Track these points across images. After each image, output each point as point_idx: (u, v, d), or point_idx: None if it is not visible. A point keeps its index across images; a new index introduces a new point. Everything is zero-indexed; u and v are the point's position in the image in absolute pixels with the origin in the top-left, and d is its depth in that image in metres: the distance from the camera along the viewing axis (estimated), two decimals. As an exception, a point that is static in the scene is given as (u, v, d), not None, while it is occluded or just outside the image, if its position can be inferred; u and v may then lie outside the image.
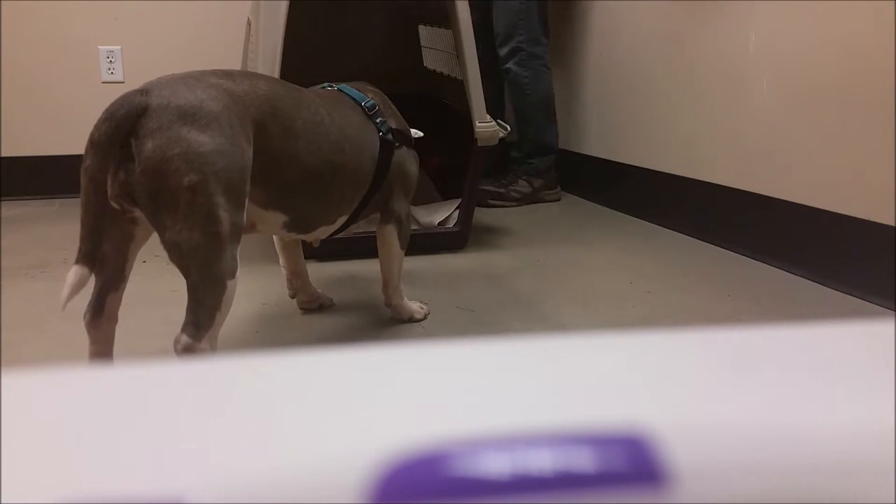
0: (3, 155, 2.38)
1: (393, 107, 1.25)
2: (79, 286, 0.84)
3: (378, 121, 1.16)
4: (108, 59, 2.41)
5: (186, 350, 0.83)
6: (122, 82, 2.43)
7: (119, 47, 2.42)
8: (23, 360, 1.12)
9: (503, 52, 2.36)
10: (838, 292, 1.46)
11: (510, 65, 2.36)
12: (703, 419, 0.18)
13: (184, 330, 0.84)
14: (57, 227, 2.02)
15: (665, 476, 0.17)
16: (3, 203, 2.34)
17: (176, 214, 0.81)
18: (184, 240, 0.82)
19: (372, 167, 1.14)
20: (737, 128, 1.78)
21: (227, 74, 0.93)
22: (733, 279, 1.56)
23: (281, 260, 1.30)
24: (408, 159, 1.24)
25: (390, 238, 1.22)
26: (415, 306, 1.29)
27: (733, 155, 1.80)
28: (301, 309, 1.34)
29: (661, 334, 0.24)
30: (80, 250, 0.85)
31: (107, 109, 0.81)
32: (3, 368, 1.00)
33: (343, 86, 1.19)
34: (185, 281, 0.86)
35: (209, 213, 0.82)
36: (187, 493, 0.16)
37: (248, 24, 1.92)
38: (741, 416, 0.19)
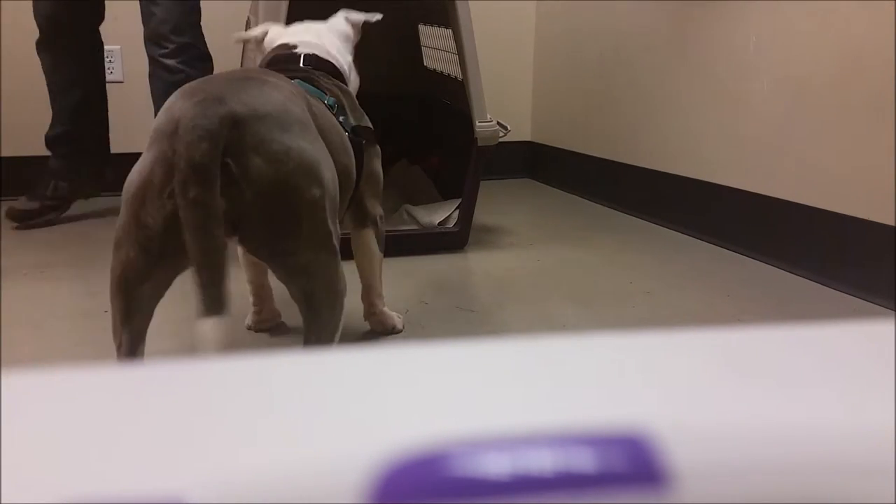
0: (3, 155, 2.38)
1: (352, 98, 1.13)
2: (225, 341, 0.67)
3: (341, 119, 1.00)
4: (108, 59, 2.41)
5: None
6: (122, 82, 2.43)
7: (119, 47, 2.42)
8: (23, 360, 1.12)
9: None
10: (838, 292, 1.46)
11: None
12: (703, 419, 0.18)
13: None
14: (57, 226, 2.02)
15: (665, 476, 0.17)
16: (2, 203, 2.34)
17: (299, 236, 0.73)
18: (311, 262, 0.74)
19: (354, 168, 1.01)
20: (737, 128, 1.78)
21: (265, 73, 0.84)
22: (733, 279, 1.56)
23: (248, 275, 1.19)
24: (374, 157, 1.12)
25: (369, 241, 1.13)
26: (395, 315, 1.23)
27: (733, 155, 1.80)
28: (255, 329, 1.24)
29: (661, 334, 0.24)
30: (208, 298, 0.68)
31: (195, 125, 0.68)
32: (3, 368, 1.00)
33: (298, 80, 0.98)
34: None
35: (328, 228, 0.75)
36: (187, 493, 0.16)
37: (248, 24, 1.92)
38: (741, 416, 0.19)
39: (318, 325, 0.78)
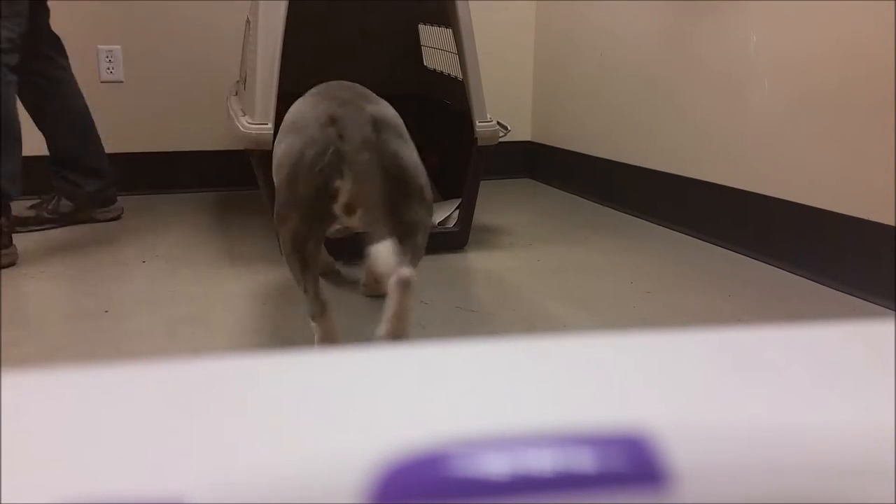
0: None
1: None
2: (391, 258, 0.92)
3: None
4: (108, 59, 2.41)
5: (411, 279, 0.98)
6: (122, 82, 2.43)
7: (119, 47, 2.42)
8: (23, 360, 1.12)
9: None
10: (838, 292, 1.46)
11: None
12: (703, 419, 0.18)
13: (405, 265, 1.00)
14: (57, 227, 2.02)
15: (665, 476, 0.17)
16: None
17: (418, 205, 1.05)
18: (424, 217, 1.06)
19: None
20: (737, 128, 1.78)
21: (356, 85, 1.15)
22: (733, 279, 1.56)
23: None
24: None
25: None
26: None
27: (733, 155, 1.80)
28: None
29: (661, 334, 0.24)
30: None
31: (352, 118, 0.99)
32: (3, 368, 1.00)
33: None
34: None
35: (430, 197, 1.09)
36: (187, 493, 0.16)
37: (248, 23, 1.92)
38: (741, 416, 0.19)
39: (416, 248, 1.06)
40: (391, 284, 0.96)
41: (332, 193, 0.98)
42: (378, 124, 1.00)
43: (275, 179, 1.10)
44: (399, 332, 1.00)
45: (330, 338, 1.09)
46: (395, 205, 1.01)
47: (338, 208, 1.00)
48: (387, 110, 1.06)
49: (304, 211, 0.99)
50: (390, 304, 0.97)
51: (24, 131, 1.87)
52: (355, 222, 1.02)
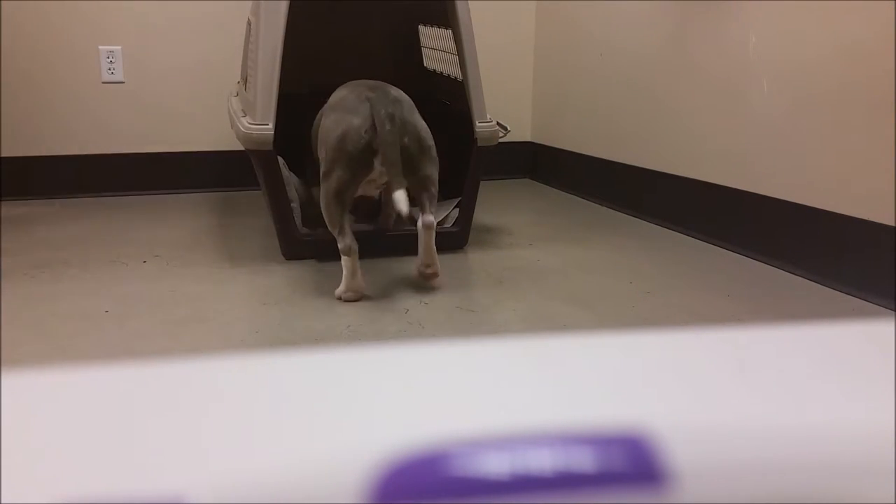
0: (3, 155, 2.38)
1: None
2: (407, 203, 1.28)
3: None
4: (108, 59, 2.41)
5: (433, 223, 1.40)
6: (123, 82, 2.44)
7: (119, 47, 2.42)
8: (23, 360, 1.12)
9: None
10: (838, 292, 1.46)
11: None
12: (703, 419, 0.18)
13: (428, 213, 1.41)
14: (57, 227, 2.02)
15: (665, 476, 0.17)
16: (3, 203, 2.34)
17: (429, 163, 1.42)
18: (433, 172, 1.43)
19: None
20: (736, 128, 1.78)
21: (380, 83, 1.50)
22: (733, 279, 1.56)
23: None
24: None
25: None
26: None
27: (733, 155, 1.80)
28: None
29: (661, 334, 0.24)
30: (397, 181, 1.29)
31: (385, 100, 1.37)
32: (3, 368, 1.00)
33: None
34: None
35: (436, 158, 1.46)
36: (187, 493, 0.16)
37: (248, 24, 1.92)
38: (741, 417, 0.19)
39: (432, 197, 1.42)
40: (419, 228, 1.39)
41: (373, 150, 1.33)
42: (398, 103, 1.38)
43: (321, 146, 1.41)
44: (430, 261, 1.41)
45: (355, 275, 1.37)
46: (411, 161, 1.36)
47: (376, 162, 1.33)
48: (403, 94, 1.45)
49: (349, 164, 1.33)
50: (421, 243, 1.40)
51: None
52: (382, 177, 1.35)
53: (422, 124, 1.41)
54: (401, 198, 1.25)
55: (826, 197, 1.52)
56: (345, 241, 1.35)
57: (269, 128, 1.54)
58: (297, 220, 1.67)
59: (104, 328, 1.25)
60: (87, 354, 1.15)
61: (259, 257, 1.69)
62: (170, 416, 0.19)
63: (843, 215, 1.48)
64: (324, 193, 1.37)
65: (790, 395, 0.20)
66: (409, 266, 1.62)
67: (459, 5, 1.68)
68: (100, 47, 2.41)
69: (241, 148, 1.72)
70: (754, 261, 1.69)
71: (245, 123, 1.58)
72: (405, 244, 1.70)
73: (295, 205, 1.68)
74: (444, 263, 1.66)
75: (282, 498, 0.16)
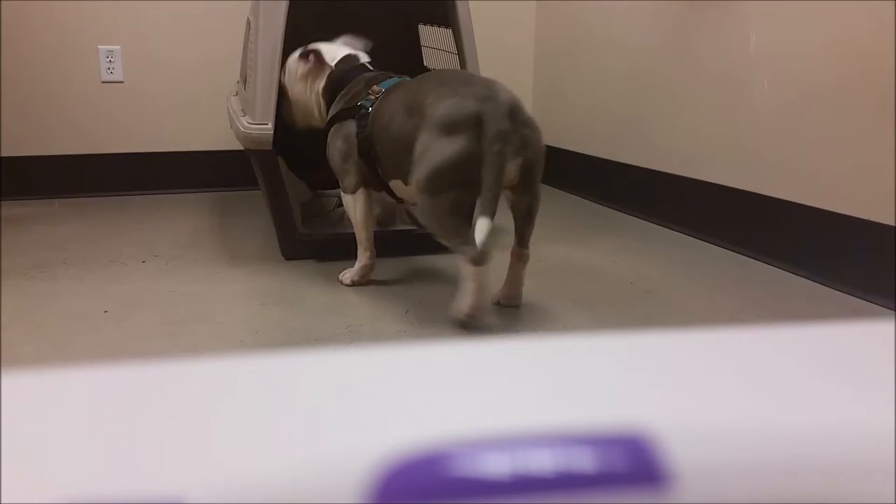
0: (3, 155, 2.38)
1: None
2: (487, 235, 1.17)
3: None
4: (108, 59, 2.41)
5: (528, 256, 1.33)
6: (122, 82, 2.43)
7: (119, 47, 2.42)
8: (23, 360, 1.12)
9: None
10: (838, 292, 1.46)
11: None
12: (703, 419, 0.18)
13: (524, 245, 1.33)
14: (57, 227, 2.02)
15: (665, 476, 0.17)
16: (3, 203, 2.34)
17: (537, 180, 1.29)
18: (539, 197, 1.31)
19: None
20: (737, 128, 1.78)
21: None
22: (733, 279, 1.56)
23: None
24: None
25: None
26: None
27: (733, 155, 1.80)
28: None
29: (662, 334, 0.24)
30: (488, 207, 1.16)
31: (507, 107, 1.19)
32: (3, 368, 1.00)
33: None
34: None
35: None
36: (187, 493, 0.16)
37: (248, 23, 1.92)
38: (741, 417, 0.19)
39: (533, 219, 1.32)
40: (512, 255, 1.33)
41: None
42: (514, 115, 1.19)
43: (418, 162, 1.25)
44: (516, 293, 1.35)
45: (484, 286, 1.23)
46: (527, 175, 1.25)
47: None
48: (513, 95, 1.23)
49: (463, 185, 1.20)
50: (512, 274, 1.34)
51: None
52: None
53: (538, 144, 1.26)
54: (482, 228, 1.13)
55: (826, 197, 1.52)
56: (474, 251, 1.17)
57: (268, 127, 1.54)
58: (297, 220, 1.67)
59: (103, 328, 1.25)
60: (87, 354, 1.14)
61: (259, 257, 1.69)
62: (169, 416, 0.19)
63: (843, 215, 1.48)
64: (432, 210, 1.24)
65: (790, 395, 0.20)
66: (410, 266, 1.62)
67: (459, 4, 1.68)
68: (99, 47, 2.41)
69: (241, 147, 1.72)
70: (755, 261, 1.69)
71: (244, 123, 1.58)
72: (405, 244, 1.70)
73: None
74: (445, 263, 1.66)
75: (282, 498, 0.16)
